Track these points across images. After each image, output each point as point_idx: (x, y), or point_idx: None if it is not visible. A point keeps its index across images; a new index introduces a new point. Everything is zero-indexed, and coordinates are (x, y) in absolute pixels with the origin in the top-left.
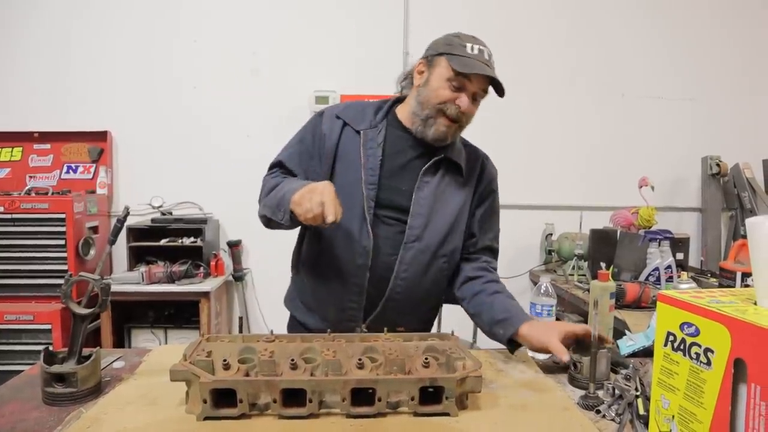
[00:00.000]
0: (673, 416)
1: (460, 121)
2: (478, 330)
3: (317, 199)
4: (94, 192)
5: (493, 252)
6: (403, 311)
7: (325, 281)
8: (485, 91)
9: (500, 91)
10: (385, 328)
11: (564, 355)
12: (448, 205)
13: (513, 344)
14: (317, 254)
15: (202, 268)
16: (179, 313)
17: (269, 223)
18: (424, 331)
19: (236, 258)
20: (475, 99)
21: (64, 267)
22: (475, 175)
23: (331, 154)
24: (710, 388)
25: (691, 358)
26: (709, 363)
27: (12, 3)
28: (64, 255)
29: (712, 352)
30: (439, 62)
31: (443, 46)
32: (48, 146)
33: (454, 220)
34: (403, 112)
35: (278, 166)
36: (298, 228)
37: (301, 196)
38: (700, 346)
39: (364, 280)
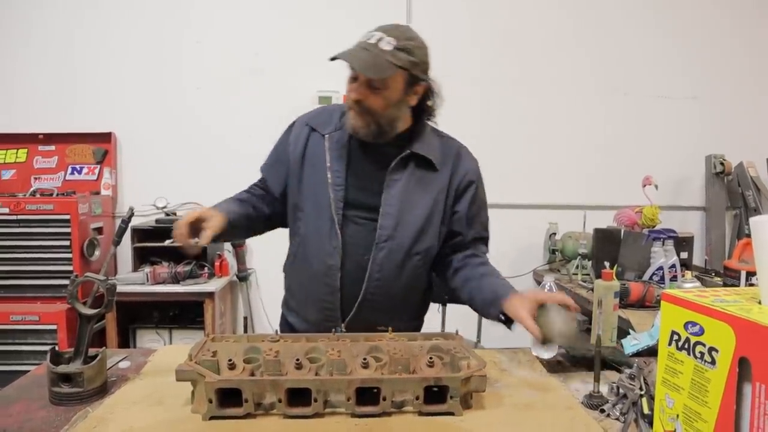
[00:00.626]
0: (678, 415)
1: (361, 110)
2: (482, 329)
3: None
4: (98, 193)
5: (483, 240)
6: (382, 311)
7: (303, 282)
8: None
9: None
10: (390, 328)
11: (537, 333)
12: (419, 202)
13: (510, 321)
14: (294, 256)
15: (206, 269)
16: (184, 314)
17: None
18: (413, 331)
19: (240, 258)
20: (372, 86)
21: (69, 268)
22: (449, 167)
23: (299, 160)
24: (715, 388)
25: (696, 357)
26: (713, 362)
27: (15, 4)
28: (69, 256)
29: (717, 351)
30: None
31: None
32: (53, 148)
33: (426, 217)
34: None
35: (262, 173)
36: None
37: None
38: (704, 345)
39: (337, 281)
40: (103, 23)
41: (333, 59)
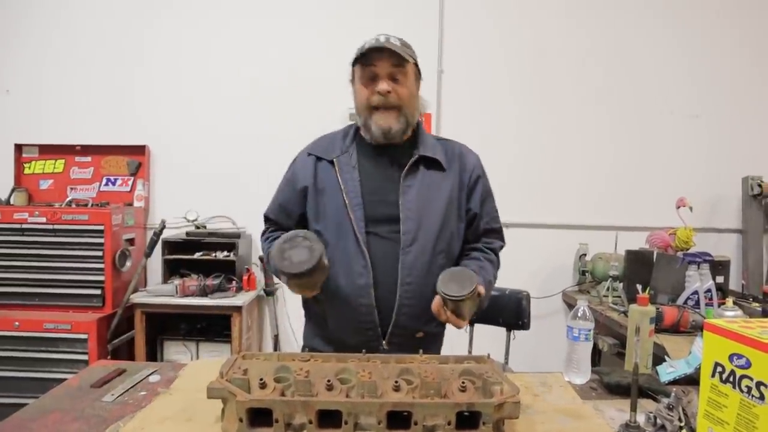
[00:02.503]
0: None
1: (390, 105)
2: (510, 351)
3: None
4: (131, 204)
5: (495, 232)
6: (416, 316)
7: (336, 310)
8: (399, 65)
9: (408, 59)
10: (420, 350)
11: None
12: (436, 202)
13: None
14: (323, 288)
15: (234, 282)
16: (211, 327)
17: None
18: (439, 333)
19: (268, 273)
20: (394, 79)
21: (101, 278)
22: (456, 166)
23: (312, 191)
24: (765, 424)
25: (742, 391)
26: (762, 397)
27: (56, 18)
28: (101, 266)
29: (766, 386)
30: (353, 72)
31: (352, 59)
32: (89, 159)
33: (444, 214)
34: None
35: (267, 221)
36: None
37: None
38: (751, 378)
39: (371, 299)
40: (140, 40)
41: (363, 55)
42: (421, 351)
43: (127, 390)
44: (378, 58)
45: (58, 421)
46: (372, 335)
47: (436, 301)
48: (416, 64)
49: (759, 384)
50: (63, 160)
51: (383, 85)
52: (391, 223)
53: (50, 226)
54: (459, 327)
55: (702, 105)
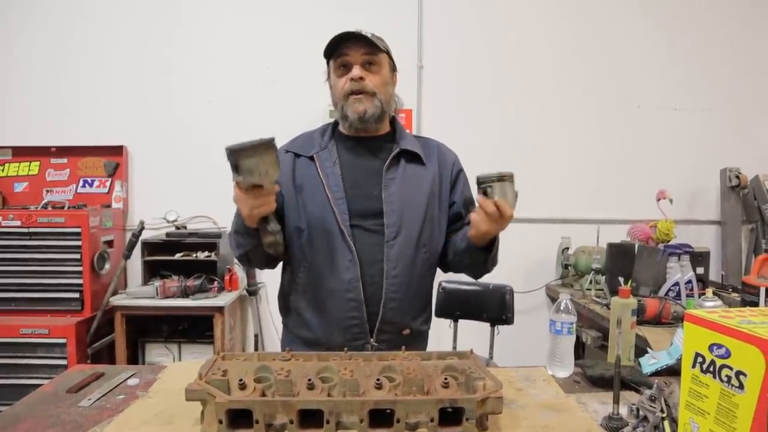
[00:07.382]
0: None
1: (365, 91)
2: (494, 345)
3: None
4: (109, 206)
5: None
6: (403, 311)
7: (322, 309)
8: (371, 54)
9: (382, 46)
10: (403, 347)
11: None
12: (418, 194)
13: (484, 251)
14: (306, 287)
15: (216, 283)
16: (193, 328)
17: (249, 261)
18: (424, 331)
19: (250, 272)
20: (368, 66)
21: (79, 281)
22: (435, 160)
23: (291, 188)
24: (743, 413)
25: (722, 380)
26: (741, 386)
27: (29, 18)
28: (80, 269)
29: (745, 375)
30: (327, 67)
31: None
32: (65, 161)
33: (426, 208)
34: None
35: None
36: (280, 274)
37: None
38: (731, 368)
39: (360, 293)
40: (116, 38)
41: (335, 45)
42: (403, 348)
43: (105, 394)
44: (350, 46)
45: (31, 429)
46: (359, 332)
47: (479, 200)
48: (390, 56)
49: (738, 373)
50: (38, 162)
51: (356, 71)
52: (375, 216)
53: (25, 230)
54: (506, 214)
55: (681, 98)
